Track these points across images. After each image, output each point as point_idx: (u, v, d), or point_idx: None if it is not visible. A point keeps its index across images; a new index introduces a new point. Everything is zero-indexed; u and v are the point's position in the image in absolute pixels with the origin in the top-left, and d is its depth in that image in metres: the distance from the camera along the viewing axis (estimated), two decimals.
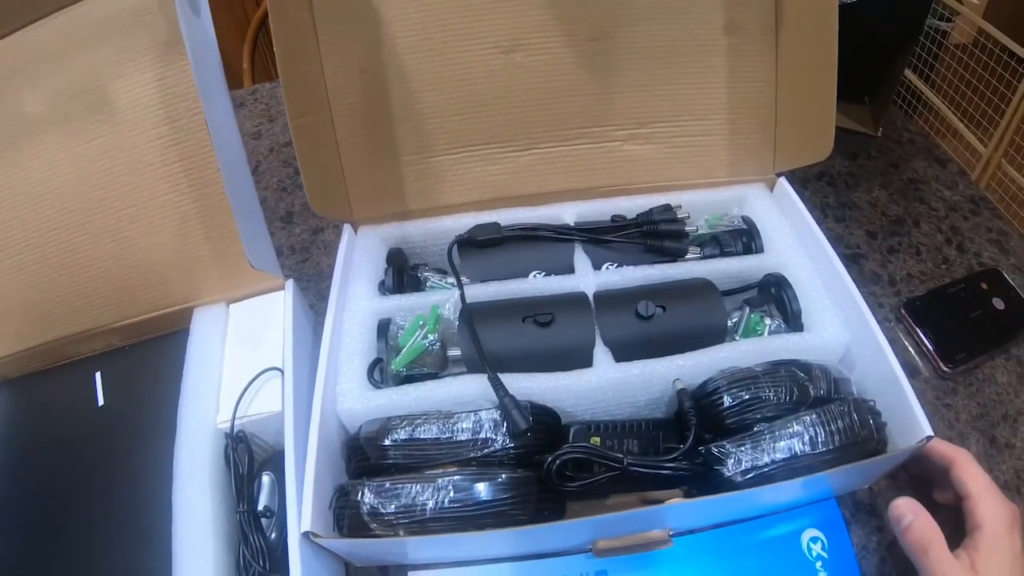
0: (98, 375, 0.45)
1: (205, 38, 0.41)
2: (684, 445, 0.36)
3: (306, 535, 0.33)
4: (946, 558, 0.34)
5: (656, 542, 0.37)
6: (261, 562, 0.37)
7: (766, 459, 0.35)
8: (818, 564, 0.39)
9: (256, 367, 0.41)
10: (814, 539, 0.39)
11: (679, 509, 0.36)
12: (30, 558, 0.39)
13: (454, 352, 0.40)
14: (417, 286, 0.45)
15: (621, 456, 0.35)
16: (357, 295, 0.43)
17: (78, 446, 0.43)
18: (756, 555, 0.39)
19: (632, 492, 0.39)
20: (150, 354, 0.45)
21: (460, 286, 0.41)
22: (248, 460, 0.40)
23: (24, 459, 0.43)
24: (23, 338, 0.46)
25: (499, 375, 0.37)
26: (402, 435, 0.36)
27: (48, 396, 0.46)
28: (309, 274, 0.55)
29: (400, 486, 0.35)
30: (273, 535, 0.38)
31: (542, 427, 0.37)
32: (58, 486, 0.41)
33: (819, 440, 0.36)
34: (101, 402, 0.44)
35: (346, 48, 0.43)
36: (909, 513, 0.36)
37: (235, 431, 0.40)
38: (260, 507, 0.39)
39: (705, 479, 0.36)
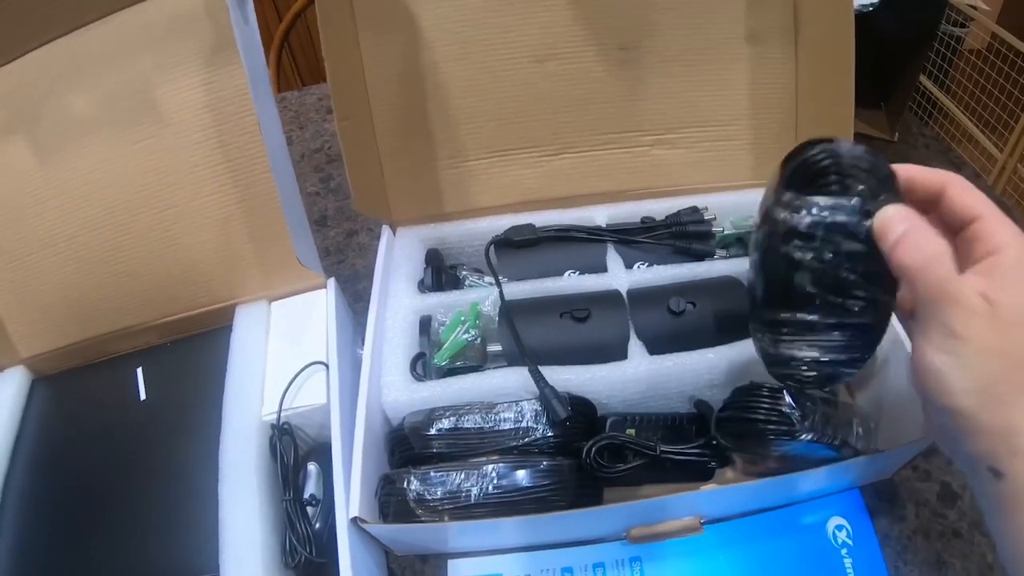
0: (139, 371, 0.48)
1: (253, 43, 0.45)
2: (711, 432, 0.40)
3: (354, 520, 0.37)
4: (954, 277, 0.25)
5: (687, 529, 0.41)
6: (308, 548, 0.40)
7: None
8: (843, 551, 0.43)
9: (298, 362, 0.44)
10: (839, 527, 0.43)
11: (711, 495, 0.40)
12: (76, 548, 0.42)
13: (494, 347, 0.44)
14: (455, 285, 0.49)
15: (654, 444, 0.40)
16: (397, 293, 0.47)
17: (121, 439, 0.45)
18: (784, 542, 0.43)
19: (665, 483, 0.42)
20: (192, 350, 0.48)
21: (499, 284, 0.45)
22: (293, 451, 0.43)
23: (65, 450, 0.46)
24: (64, 334, 0.49)
25: (538, 367, 0.41)
26: (446, 425, 0.40)
27: (89, 391, 0.49)
28: (345, 275, 0.59)
29: (445, 474, 0.39)
30: (318, 524, 0.41)
31: (580, 417, 0.40)
32: (101, 477, 0.44)
33: None
34: (143, 397, 0.47)
35: (386, 55, 0.47)
36: (901, 222, 0.26)
37: (281, 422, 0.43)
38: (306, 496, 0.42)
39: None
